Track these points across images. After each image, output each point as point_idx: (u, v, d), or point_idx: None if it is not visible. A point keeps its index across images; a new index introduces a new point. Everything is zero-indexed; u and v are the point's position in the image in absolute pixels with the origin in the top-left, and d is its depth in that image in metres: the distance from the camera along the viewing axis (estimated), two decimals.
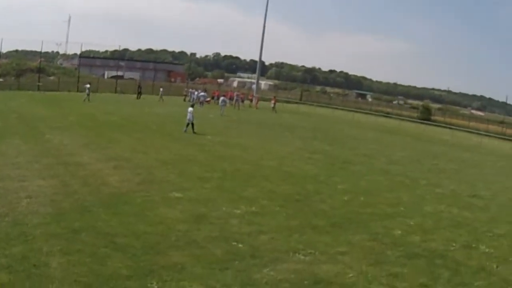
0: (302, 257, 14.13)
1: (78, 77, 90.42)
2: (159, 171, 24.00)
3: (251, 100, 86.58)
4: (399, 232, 17.89)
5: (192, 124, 39.65)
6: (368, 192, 24.25)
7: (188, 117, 39.99)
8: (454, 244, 17.09)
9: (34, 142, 29.43)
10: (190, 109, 40.75)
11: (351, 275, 13.25)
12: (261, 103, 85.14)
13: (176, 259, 12.98)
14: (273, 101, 78.46)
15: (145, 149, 29.81)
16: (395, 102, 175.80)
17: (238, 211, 18.17)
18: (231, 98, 76.46)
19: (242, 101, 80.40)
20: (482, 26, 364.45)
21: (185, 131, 39.25)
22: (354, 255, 14.85)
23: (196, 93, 77.61)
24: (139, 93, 77.69)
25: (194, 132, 39.09)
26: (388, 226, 18.46)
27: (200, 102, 68.90)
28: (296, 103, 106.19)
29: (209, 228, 15.85)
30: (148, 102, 69.67)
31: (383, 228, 18.13)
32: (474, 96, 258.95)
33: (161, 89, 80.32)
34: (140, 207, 17.66)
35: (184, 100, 78.32)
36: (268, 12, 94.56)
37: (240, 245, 14.50)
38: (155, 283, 11.47)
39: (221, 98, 66.54)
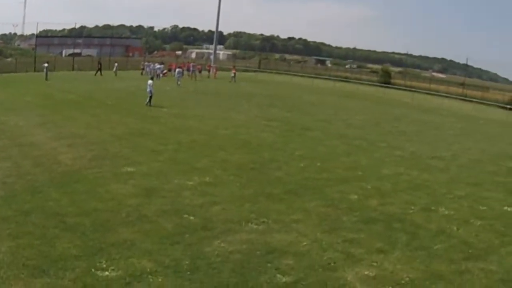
0: (255, 227, 13.93)
1: (35, 57, 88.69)
2: (112, 146, 23.61)
3: (209, 71, 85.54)
4: (356, 196, 17.77)
5: (150, 97, 39.22)
6: (325, 157, 24.15)
7: (148, 90, 39.52)
8: (412, 207, 17.04)
9: None
10: (150, 81, 40.34)
11: (305, 243, 13.07)
12: (220, 73, 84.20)
13: (125, 236, 12.67)
14: (233, 71, 77.53)
15: (100, 125, 29.31)
16: (347, 66, 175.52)
17: (191, 183, 17.92)
18: (188, 69, 75.88)
19: (200, 72, 79.68)
20: None
21: (147, 104, 38.83)
22: (309, 222, 14.67)
23: (151, 66, 76.58)
24: (99, 70, 76.62)
25: (150, 105, 38.70)
26: (345, 191, 18.34)
27: (157, 75, 67.99)
28: (255, 71, 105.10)
29: (161, 202, 15.58)
30: (105, 78, 68.64)
31: (339, 193, 17.99)
32: (435, 58, 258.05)
33: (115, 64, 78.82)
34: (92, 184, 17.30)
35: (142, 74, 77.33)
36: None
37: (191, 218, 14.25)
38: (103, 261, 11.15)
39: (177, 69, 66.12)
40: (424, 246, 13.48)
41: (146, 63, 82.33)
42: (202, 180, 18.32)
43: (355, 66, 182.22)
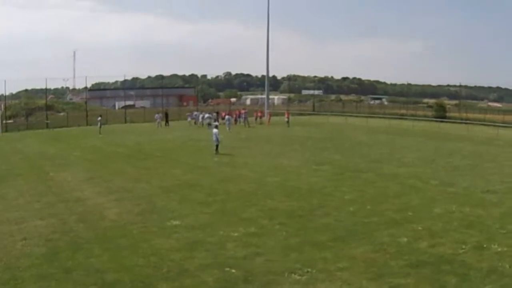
0: (298, 277, 13.72)
1: (86, 110, 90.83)
2: (160, 200, 23.85)
3: (260, 117, 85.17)
4: (405, 239, 17.39)
5: (217, 145, 40.48)
6: (375, 199, 23.75)
7: (214, 139, 40.73)
8: (464, 247, 16.53)
9: (37, 181, 29.56)
10: (215, 130, 41.44)
11: None
12: (274, 118, 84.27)
13: None
14: (286, 115, 77.89)
15: (148, 178, 29.72)
16: (371, 102, 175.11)
17: (236, 234, 17.86)
18: (239, 116, 76.75)
19: (258, 118, 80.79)
20: (490, 16, 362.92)
21: (216, 153, 40.09)
22: (355, 269, 14.39)
23: (201, 115, 78.01)
24: (166, 120, 78.45)
25: (217, 153, 40.06)
26: (394, 234, 17.99)
27: (208, 124, 68.64)
28: (309, 114, 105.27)
29: (204, 255, 15.56)
30: (157, 130, 69.66)
31: (389, 237, 17.66)
32: (490, 88, 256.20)
33: (156, 115, 79.30)
34: (135, 239, 17.47)
35: (195, 123, 77.80)
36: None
37: (233, 271, 14.15)
38: None
39: (226, 116, 67.90)
40: None
41: (195, 113, 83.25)
42: (248, 231, 18.26)
43: (386, 102, 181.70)
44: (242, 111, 79.70)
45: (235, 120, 74.81)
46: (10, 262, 15.15)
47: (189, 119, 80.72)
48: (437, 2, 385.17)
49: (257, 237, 17.52)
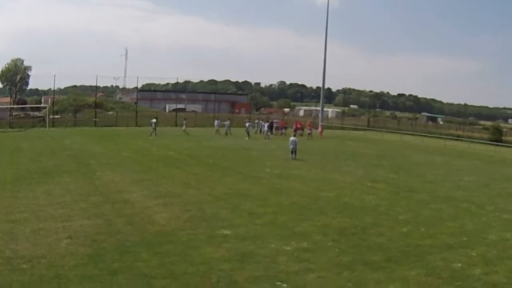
0: None
1: (136, 111, 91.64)
2: (210, 207, 23.84)
3: (299, 129, 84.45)
4: (459, 264, 17.15)
5: (295, 151, 45.21)
6: (430, 222, 23.48)
7: (292, 146, 45.21)
8: None
9: (84, 180, 29.85)
10: (293, 139, 45.91)
11: None
12: (326, 131, 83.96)
13: None
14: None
15: (198, 185, 29.85)
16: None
17: (288, 248, 17.79)
18: (297, 129, 76.79)
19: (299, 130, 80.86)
20: None
21: (293, 158, 44.74)
22: None
23: (262, 123, 78.42)
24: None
25: (293, 158, 44.80)
26: (448, 259, 17.74)
27: (261, 132, 69.03)
28: (364, 129, 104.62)
29: (254, 267, 15.50)
30: (204, 135, 69.93)
31: (442, 261, 17.42)
32: None
33: (216, 121, 78.09)
34: (184, 246, 17.49)
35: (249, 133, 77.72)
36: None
37: (284, 285, 14.10)
38: None
39: (265, 124, 71.78)
40: None
41: (258, 121, 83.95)
42: (300, 245, 18.17)
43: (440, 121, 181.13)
44: (299, 125, 79.23)
45: (294, 131, 75.10)
46: (55, 260, 15.33)
47: (263, 127, 77.59)
48: (499, 22, 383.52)
49: (309, 253, 17.41)
